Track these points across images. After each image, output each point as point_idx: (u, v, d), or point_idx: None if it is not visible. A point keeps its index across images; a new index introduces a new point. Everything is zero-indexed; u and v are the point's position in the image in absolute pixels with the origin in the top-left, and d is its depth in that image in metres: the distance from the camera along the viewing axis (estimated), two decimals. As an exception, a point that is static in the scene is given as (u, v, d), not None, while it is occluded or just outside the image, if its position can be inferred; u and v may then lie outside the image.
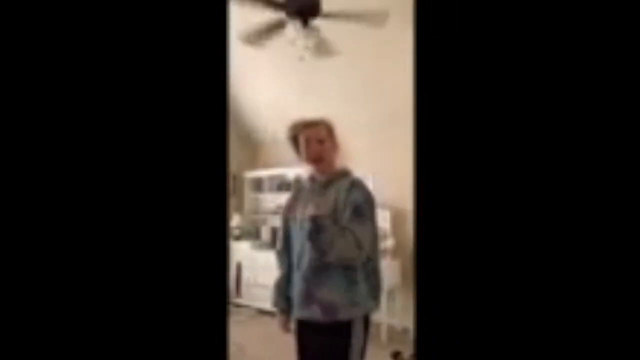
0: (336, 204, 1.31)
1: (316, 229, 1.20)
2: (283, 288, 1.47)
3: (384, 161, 3.84)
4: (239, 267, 4.46)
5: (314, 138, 1.36)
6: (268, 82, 4.14)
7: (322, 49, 2.71)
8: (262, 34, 2.60)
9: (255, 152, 5.13)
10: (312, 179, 1.44)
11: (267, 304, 3.98)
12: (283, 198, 4.92)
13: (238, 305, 4.31)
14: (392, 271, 3.47)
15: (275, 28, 2.54)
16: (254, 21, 2.52)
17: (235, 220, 4.61)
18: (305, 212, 1.26)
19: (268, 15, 2.46)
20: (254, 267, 4.30)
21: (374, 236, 1.33)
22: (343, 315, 1.26)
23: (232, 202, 4.75)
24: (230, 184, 4.71)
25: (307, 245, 1.29)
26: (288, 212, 1.46)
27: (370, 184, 1.40)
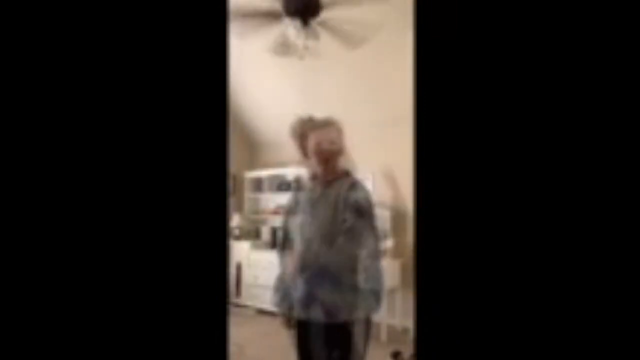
0: (336, 203, 1.31)
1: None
2: (283, 288, 1.47)
3: (384, 161, 3.84)
4: (239, 267, 4.46)
5: (326, 139, 1.34)
6: (268, 82, 4.14)
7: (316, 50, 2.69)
8: (257, 24, 2.56)
9: (255, 152, 5.13)
10: (313, 178, 1.43)
11: (267, 304, 3.99)
12: (283, 198, 4.91)
13: (238, 305, 4.31)
14: (392, 271, 3.47)
15: (270, 19, 2.51)
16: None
17: (235, 220, 4.61)
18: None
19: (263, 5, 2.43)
20: (254, 267, 4.30)
21: (375, 237, 1.33)
22: (344, 316, 1.26)
23: (232, 202, 4.75)
24: (230, 184, 4.71)
25: (312, 245, 1.31)
26: (289, 213, 1.46)
27: (370, 184, 1.40)
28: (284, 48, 2.64)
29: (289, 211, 1.46)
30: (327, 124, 1.37)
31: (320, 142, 1.34)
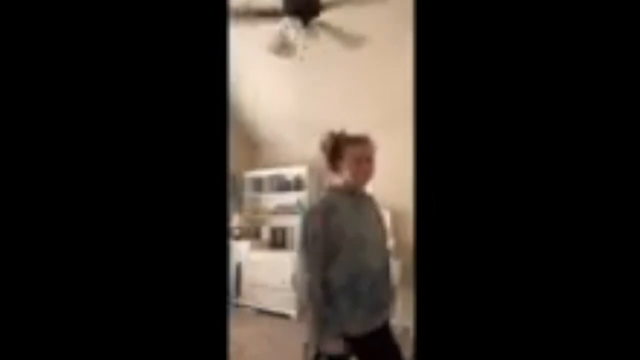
0: (376, 215, 1.46)
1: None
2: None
3: (384, 161, 3.83)
4: (239, 267, 4.46)
5: (364, 157, 1.28)
6: (268, 82, 4.14)
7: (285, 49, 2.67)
8: (257, 18, 2.55)
9: (255, 152, 5.13)
10: (334, 189, 1.34)
11: (267, 304, 3.99)
12: (283, 198, 4.87)
13: (238, 305, 4.31)
14: (392, 271, 3.46)
15: (270, 18, 2.50)
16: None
17: (235, 220, 4.61)
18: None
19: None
20: (254, 267, 4.30)
21: None
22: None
23: (232, 202, 4.75)
24: (230, 184, 4.71)
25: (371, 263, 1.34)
26: (326, 216, 1.27)
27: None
28: (284, 49, 2.62)
29: (326, 214, 1.27)
30: (365, 140, 1.30)
31: (358, 159, 1.28)
